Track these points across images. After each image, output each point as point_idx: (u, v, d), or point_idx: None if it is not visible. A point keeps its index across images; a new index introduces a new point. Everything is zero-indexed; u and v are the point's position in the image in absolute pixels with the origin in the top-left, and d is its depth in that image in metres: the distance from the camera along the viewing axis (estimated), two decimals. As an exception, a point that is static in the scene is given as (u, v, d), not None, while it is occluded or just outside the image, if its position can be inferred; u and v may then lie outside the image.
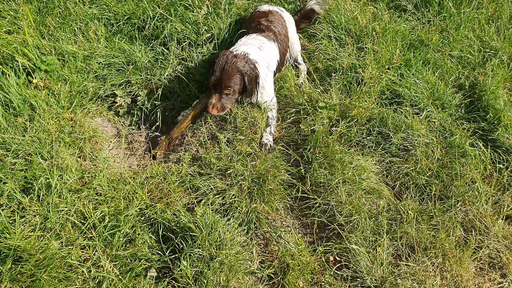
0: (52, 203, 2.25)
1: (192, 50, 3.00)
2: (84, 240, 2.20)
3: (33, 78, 2.71)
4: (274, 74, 2.91)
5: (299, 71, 3.17)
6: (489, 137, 2.69)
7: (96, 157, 2.57)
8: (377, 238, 2.26)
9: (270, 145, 2.68)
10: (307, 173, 2.50)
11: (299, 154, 2.62)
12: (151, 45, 3.02)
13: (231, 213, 2.33)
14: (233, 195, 2.37)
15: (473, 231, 2.32)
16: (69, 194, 2.32)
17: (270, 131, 2.73)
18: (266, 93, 2.77)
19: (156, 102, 2.86)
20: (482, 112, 2.80)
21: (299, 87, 2.98)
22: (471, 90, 2.92)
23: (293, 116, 2.77)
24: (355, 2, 3.34)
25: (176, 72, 2.94)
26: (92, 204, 2.31)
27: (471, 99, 2.88)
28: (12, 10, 2.98)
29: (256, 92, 2.70)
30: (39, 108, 2.62)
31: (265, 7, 3.12)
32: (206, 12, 3.06)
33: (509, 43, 3.18)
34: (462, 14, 3.26)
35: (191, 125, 2.77)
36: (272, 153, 2.60)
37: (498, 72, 2.94)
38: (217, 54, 2.65)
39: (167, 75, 2.88)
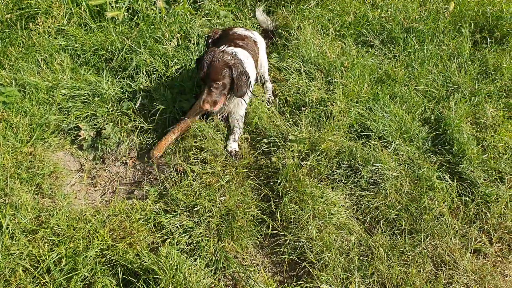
0: (3, 246, 2.14)
1: (161, 82, 3.04)
2: (36, 286, 2.09)
3: (-10, 111, 2.65)
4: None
5: (265, 89, 3.33)
6: (455, 170, 2.81)
7: (56, 193, 2.50)
8: (348, 275, 2.26)
9: (236, 151, 2.78)
10: (277, 208, 2.52)
11: (270, 188, 2.64)
12: (118, 77, 3.04)
13: (198, 252, 2.29)
14: (201, 233, 2.33)
15: (443, 266, 2.37)
16: (23, 235, 2.22)
17: (234, 138, 2.84)
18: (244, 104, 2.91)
19: (121, 135, 2.83)
20: (448, 145, 2.94)
21: (268, 104, 3.14)
22: (436, 124, 3.08)
23: (264, 147, 2.82)
24: (323, 37, 3.52)
25: (145, 104, 2.95)
26: (48, 245, 2.21)
27: (437, 132, 3.03)
28: (-29, 39, 2.95)
29: (247, 91, 2.79)
30: (-6, 142, 2.54)
31: (241, 31, 3.24)
32: (176, 44, 3.13)
33: (470, 78, 3.42)
34: (425, 51, 3.49)
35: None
36: (241, 188, 2.60)
37: (461, 106, 3.13)
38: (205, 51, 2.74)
39: (134, 107, 2.89)
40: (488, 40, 3.71)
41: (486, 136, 2.98)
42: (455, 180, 2.72)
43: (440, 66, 3.48)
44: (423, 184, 2.66)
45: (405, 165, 2.78)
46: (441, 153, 2.92)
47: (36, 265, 2.15)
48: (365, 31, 3.64)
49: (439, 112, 3.16)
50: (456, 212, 2.63)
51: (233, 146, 2.82)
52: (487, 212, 2.59)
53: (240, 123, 2.93)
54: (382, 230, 2.50)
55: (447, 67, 3.48)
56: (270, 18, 3.76)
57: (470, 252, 2.44)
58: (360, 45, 3.62)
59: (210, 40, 3.29)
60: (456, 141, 2.91)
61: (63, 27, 3.14)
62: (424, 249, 2.40)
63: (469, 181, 2.75)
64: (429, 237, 2.44)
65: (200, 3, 3.54)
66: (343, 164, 2.73)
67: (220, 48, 2.81)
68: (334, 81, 3.15)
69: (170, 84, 3.06)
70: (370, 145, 2.81)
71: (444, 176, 2.76)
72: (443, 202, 2.61)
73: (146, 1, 3.25)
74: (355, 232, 2.46)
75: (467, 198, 2.66)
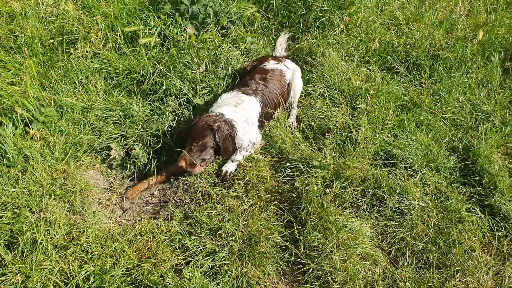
0: (36, 261, 2.24)
1: (188, 106, 3.17)
2: (65, 302, 2.17)
3: (30, 129, 2.82)
4: (262, 122, 3.12)
5: (289, 113, 3.41)
6: (486, 203, 2.75)
7: (86, 211, 2.61)
8: (372, 308, 2.23)
9: (228, 172, 2.84)
10: (300, 235, 2.53)
11: (293, 214, 2.66)
12: (149, 99, 3.19)
13: (221, 276, 2.32)
14: (223, 257, 2.37)
15: (473, 304, 2.30)
16: (55, 250, 2.33)
17: (234, 158, 2.91)
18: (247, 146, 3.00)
19: (150, 156, 2.95)
20: (477, 176, 2.88)
21: (290, 129, 3.22)
22: (465, 153, 3.04)
23: (288, 172, 2.85)
24: (348, 63, 3.58)
25: (172, 126, 3.08)
26: (78, 262, 2.30)
27: (466, 162, 2.98)
28: (17, 62, 3.18)
29: (235, 152, 2.91)
30: (33, 159, 2.70)
31: (269, 65, 3.34)
32: (205, 69, 3.27)
33: (500, 107, 3.37)
34: (452, 78, 3.48)
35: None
36: (264, 213, 2.63)
37: (491, 136, 3.08)
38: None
39: (163, 129, 3.02)
40: (519, 69, 3.66)
41: (519, 167, 2.91)
42: (486, 214, 2.65)
43: (468, 94, 3.45)
44: (452, 216, 2.61)
45: (432, 196, 2.74)
46: (471, 184, 2.86)
47: (66, 281, 2.24)
48: (390, 57, 3.67)
49: (467, 141, 3.11)
50: (488, 247, 2.56)
51: (229, 166, 2.88)
52: (522, 249, 2.51)
53: (248, 147, 2.98)
54: (408, 262, 2.46)
55: (476, 95, 3.45)
56: (285, 47, 3.86)
57: (502, 291, 2.36)
58: (385, 71, 3.65)
59: (241, 72, 3.42)
60: (486, 172, 2.85)
61: (99, 51, 3.35)
62: (454, 285, 2.33)
63: (501, 215, 2.67)
64: (459, 273, 2.38)
65: (228, 30, 3.70)
66: (368, 192, 2.73)
67: (209, 113, 2.94)
68: (359, 107, 3.18)
69: (194, 108, 3.19)
70: (395, 174, 2.80)
71: (474, 209, 2.70)
72: (474, 236, 2.55)
73: (176, 27, 3.43)
74: (380, 264, 2.43)
75: (499, 233, 2.59)
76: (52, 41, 3.29)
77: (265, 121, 3.12)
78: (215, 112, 2.90)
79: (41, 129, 2.88)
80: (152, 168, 2.91)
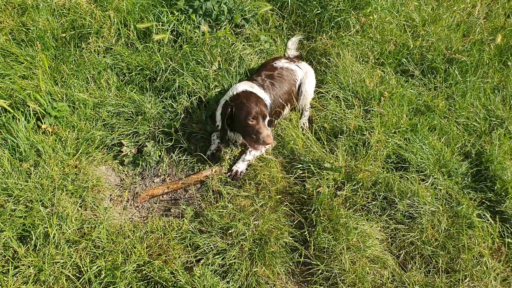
0: (48, 254, 2.35)
1: (201, 105, 3.25)
2: (77, 296, 2.27)
3: (42, 124, 2.92)
4: (271, 121, 3.16)
5: (303, 114, 3.47)
6: (497, 209, 2.82)
7: (98, 206, 2.71)
8: (381, 311, 2.32)
9: (239, 171, 2.93)
10: (310, 236, 2.61)
11: (303, 215, 2.75)
12: (161, 96, 3.28)
13: (231, 275, 2.41)
14: (234, 256, 2.46)
15: (481, 309, 2.39)
16: (67, 245, 2.43)
17: (244, 158, 2.99)
18: None
19: (162, 153, 3.04)
20: (489, 182, 2.95)
21: (302, 129, 3.29)
22: (477, 159, 3.11)
23: (300, 173, 2.93)
24: (362, 65, 3.65)
25: (185, 124, 3.17)
26: (89, 257, 2.41)
27: (478, 168, 3.05)
28: (29, 56, 3.27)
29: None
30: (45, 153, 2.80)
31: (280, 63, 3.40)
32: (217, 67, 3.35)
33: (515, 113, 3.43)
34: (468, 82, 3.54)
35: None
36: (275, 213, 2.72)
37: (505, 142, 3.14)
38: (235, 95, 2.94)
39: (175, 126, 3.10)
40: (536, 74, 3.70)
41: (532, 175, 2.97)
42: (497, 220, 2.73)
43: (483, 99, 3.50)
44: (462, 221, 2.68)
45: (442, 200, 2.81)
46: (482, 190, 2.93)
47: (77, 275, 2.34)
48: (405, 60, 3.73)
49: (480, 147, 3.18)
50: (497, 253, 2.63)
51: (239, 166, 2.96)
52: (531, 256, 2.58)
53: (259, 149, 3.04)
54: (417, 266, 2.54)
55: (491, 100, 3.50)
56: (296, 47, 3.93)
57: (511, 298, 2.44)
58: (399, 74, 3.71)
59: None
60: (499, 179, 2.92)
61: (111, 47, 3.43)
62: (462, 290, 2.42)
63: None
64: (467, 278, 2.46)
65: (242, 28, 3.77)
66: (379, 196, 2.81)
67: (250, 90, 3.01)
68: (372, 110, 3.25)
69: (205, 107, 3.28)
70: (407, 178, 2.88)
71: (484, 215, 2.77)
72: (483, 242, 2.62)
73: (190, 24, 3.51)
74: (389, 267, 2.52)
75: (509, 240, 2.66)
76: (64, 35, 3.37)
77: (274, 119, 3.18)
78: (238, 89, 2.97)
79: (53, 123, 2.97)
80: (164, 166, 3.00)
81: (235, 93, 2.95)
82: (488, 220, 2.74)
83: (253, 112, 2.80)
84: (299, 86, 3.43)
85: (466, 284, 2.45)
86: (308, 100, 3.44)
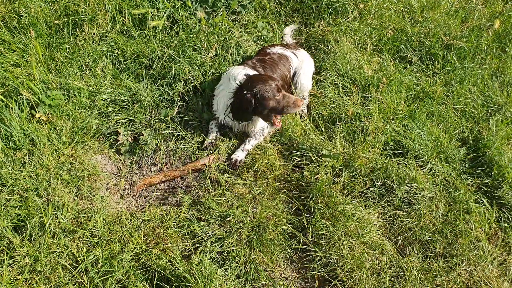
0: (44, 244, 2.32)
1: (197, 92, 3.20)
2: (74, 285, 2.26)
3: (36, 112, 2.86)
4: None
5: None
6: (494, 194, 2.82)
7: (94, 196, 2.68)
8: (379, 296, 2.32)
9: (238, 160, 2.92)
10: (309, 223, 2.60)
11: (301, 203, 2.74)
12: (157, 84, 3.23)
13: (229, 263, 2.41)
14: (232, 243, 2.45)
15: (478, 293, 2.40)
16: (63, 234, 2.40)
17: (243, 147, 2.98)
18: None
19: (158, 142, 3.01)
20: (487, 168, 2.95)
21: (300, 116, 3.26)
22: (475, 145, 3.10)
23: (297, 160, 2.91)
24: (361, 51, 3.61)
25: (181, 112, 3.13)
26: (86, 246, 2.38)
27: (475, 154, 3.04)
28: (22, 43, 3.20)
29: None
30: (39, 143, 2.75)
31: (273, 49, 3.30)
32: (214, 54, 3.29)
33: (513, 99, 3.41)
34: (466, 69, 3.51)
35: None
36: (272, 201, 2.71)
37: (502, 128, 3.13)
38: (243, 84, 2.84)
39: (172, 114, 3.06)
40: (534, 60, 3.68)
41: (529, 160, 2.97)
42: (494, 205, 2.73)
43: (481, 85, 3.48)
44: (459, 207, 2.68)
45: (440, 186, 2.81)
46: (479, 176, 2.93)
47: (74, 264, 2.32)
48: (403, 46, 3.69)
49: (478, 133, 3.17)
50: (494, 238, 2.64)
51: (238, 154, 2.95)
52: (528, 241, 2.59)
53: (256, 135, 3.04)
54: (415, 252, 2.54)
55: (488, 87, 3.49)
56: (293, 35, 3.86)
57: (508, 281, 2.45)
58: (397, 60, 3.67)
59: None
60: (496, 164, 2.91)
61: (106, 34, 3.36)
62: (459, 274, 2.42)
63: (508, 206, 2.75)
64: (464, 263, 2.47)
65: (238, 14, 3.70)
66: (377, 182, 2.80)
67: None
68: (370, 97, 3.22)
69: (201, 95, 3.23)
70: (405, 164, 2.87)
71: (481, 200, 2.77)
72: (480, 227, 2.63)
73: (186, 10, 3.44)
74: (387, 252, 2.52)
75: (506, 225, 2.67)
76: (57, 22, 3.30)
77: None
78: (239, 77, 2.88)
79: (47, 112, 2.92)
80: (161, 155, 2.97)
81: (241, 81, 2.86)
82: (485, 205, 2.74)
83: (275, 87, 2.78)
84: (294, 74, 3.32)
85: (463, 268, 2.46)
86: (305, 92, 3.36)
